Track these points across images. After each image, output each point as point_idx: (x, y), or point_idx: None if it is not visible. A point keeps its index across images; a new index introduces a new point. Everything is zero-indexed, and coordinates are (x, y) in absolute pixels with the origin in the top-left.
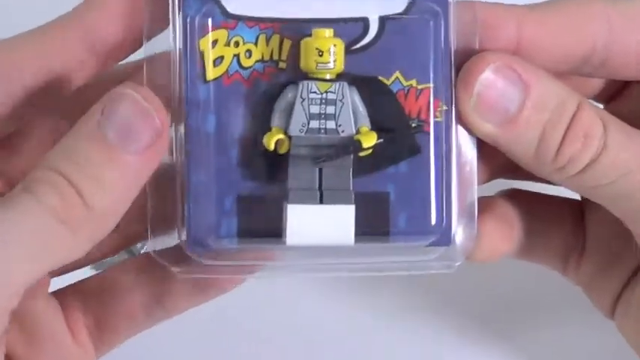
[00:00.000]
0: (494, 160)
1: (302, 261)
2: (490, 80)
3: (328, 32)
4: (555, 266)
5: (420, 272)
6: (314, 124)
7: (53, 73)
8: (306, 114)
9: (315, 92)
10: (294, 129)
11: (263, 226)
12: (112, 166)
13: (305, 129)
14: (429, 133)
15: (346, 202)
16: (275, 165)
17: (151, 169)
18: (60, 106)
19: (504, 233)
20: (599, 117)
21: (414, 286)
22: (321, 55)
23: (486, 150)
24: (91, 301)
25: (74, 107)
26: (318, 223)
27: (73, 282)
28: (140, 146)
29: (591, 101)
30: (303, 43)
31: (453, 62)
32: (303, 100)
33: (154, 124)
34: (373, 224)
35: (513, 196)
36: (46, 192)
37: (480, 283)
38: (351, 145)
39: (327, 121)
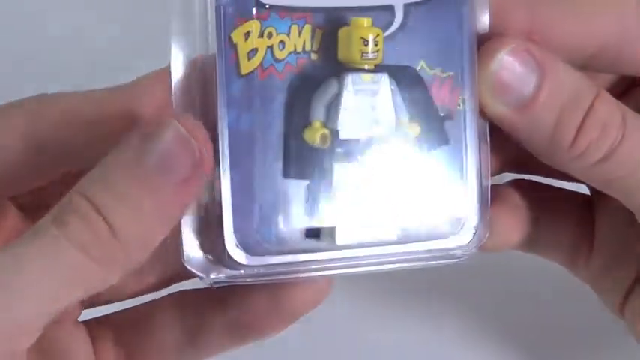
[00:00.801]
0: (504, 153)
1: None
2: (506, 61)
3: (367, 21)
4: (563, 261)
5: (435, 263)
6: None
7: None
8: (352, 106)
9: (360, 84)
10: (343, 122)
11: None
12: (150, 196)
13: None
14: (454, 122)
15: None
16: (315, 161)
17: (187, 203)
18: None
19: (516, 222)
20: (618, 107)
21: (421, 281)
22: (366, 45)
23: (497, 143)
24: (124, 334)
25: None
26: (365, 220)
27: (108, 312)
28: (178, 179)
29: None
30: (343, 32)
31: (475, 49)
32: (349, 92)
33: (193, 157)
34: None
35: (522, 186)
36: (76, 225)
37: (488, 279)
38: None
39: (372, 113)
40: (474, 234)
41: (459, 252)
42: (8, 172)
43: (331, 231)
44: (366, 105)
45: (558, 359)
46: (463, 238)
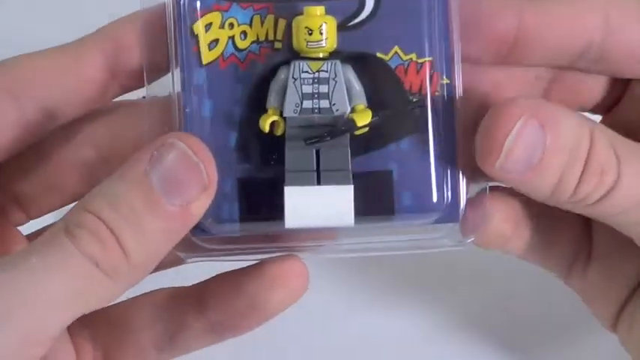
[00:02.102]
0: None
1: (306, 242)
2: (518, 136)
3: (319, 10)
4: (559, 271)
5: (430, 250)
6: (307, 104)
7: (69, 91)
8: (298, 94)
9: (307, 72)
10: (288, 110)
11: (264, 209)
12: (154, 216)
13: (298, 109)
14: (430, 107)
15: (344, 182)
16: (273, 147)
17: (194, 221)
18: (78, 127)
19: (511, 218)
20: (612, 146)
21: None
22: (310, 34)
23: None
24: (102, 333)
25: (94, 128)
26: (317, 204)
27: None
28: (185, 200)
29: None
30: (294, 21)
31: (454, 34)
32: (295, 80)
33: (201, 179)
34: (377, 203)
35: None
36: (88, 239)
37: (482, 278)
38: (345, 124)
39: (321, 101)
40: (451, 226)
41: (446, 241)
42: None
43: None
44: (314, 92)
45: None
46: (436, 229)
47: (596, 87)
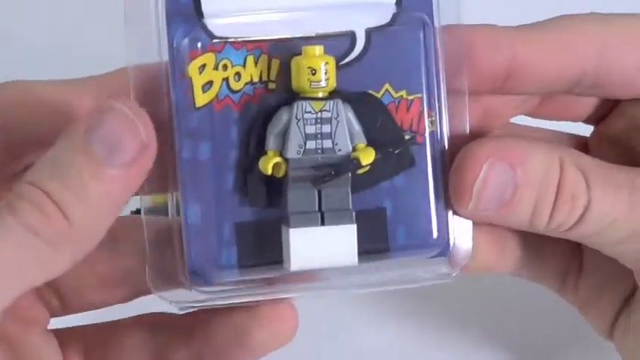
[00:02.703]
0: None
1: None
2: (486, 179)
3: (319, 50)
4: (552, 285)
5: (416, 285)
6: (310, 144)
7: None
8: (302, 135)
9: (310, 112)
10: (292, 151)
11: (263, 253)
12: (97, 180)
13: (302, 150)
14: (421, 144)
15: (347, 221)
16: (273, 189)
17: (136, 184)
18: None
19: (497, 244)
20: (581, 170)
21: (412, 297)
22: (314, 74)
23: None
24: (93, 351)
25: None
26: (321, 245)
27: (78, 324)
28: (126, 160)
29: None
30: (293, 62)
31: (441, 71)
32: (299, 120)
33: (140, 138)
34: (372, 242)
35: None
36: (26, 209)
37: (478, 294)
38: (350, 163)
39: (324, 141)
40: (446, 258)
41: (433, 275)
42: None
43: (287, 257)
44: (317, 132)
45: None
46: (434, 262)
47: (587, 103)
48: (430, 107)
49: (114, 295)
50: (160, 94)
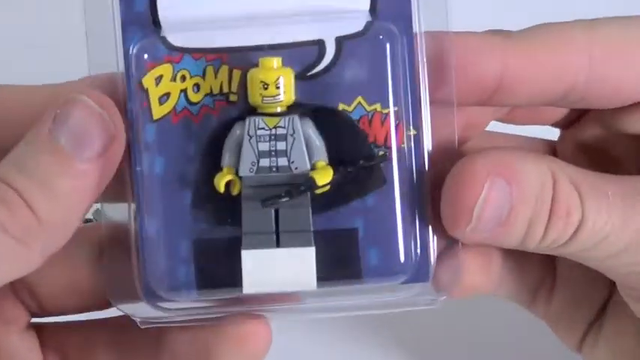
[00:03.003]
0: None
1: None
2: (487, 200)
3: (276, 62)
4: (523, 300)
5: (401, 309)
6: (264, 162)
7: None
8: (255, 152)
9: (263, 128)
10: (244, 169)
11: (222, 273)
12: (65, 175)
13: (255, 168)
14: (397, 160)
15: (305, 244)
16: (229, 206)
17: (106, 177)
18: None
19: (484, 265)
20: (574, 184)
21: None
22: (266, 88)
23: None
24: (72, 350)
25: None
26: (276, 268)
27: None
28: (94, 153)
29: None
30: (248, 74)
31: (421, 83)
32: (251, 137)
33: (108, 130)
34: (342, 265)
35: None
36: None
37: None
38: (304, 183)
39: (279, 159)
40: (427, 284)
41: (418, 300)
42: None
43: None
44: (271, 150)
45: None
46: (407, 287)
47: (558, 109)
48: (408, 121)
49: (84, 302)
50: (117, 106)
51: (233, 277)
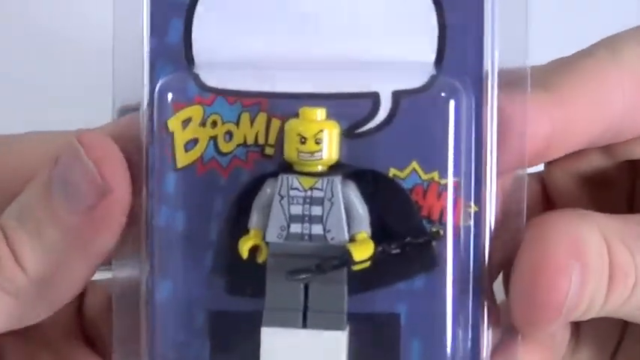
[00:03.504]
0: None
1: None
2: (575, 292)
3: (320, 113)
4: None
5: None
6: (295, 228)
7: None
8: (285, 215)
9: (297, 189)
10: (271, 233)
11: (240, 350)
12: (53, 225)
13: (284, 234)
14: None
15: (336, 327)
16: (253, 275)
17: (101, 232)
18: None
19: (548, 356)
20: (624, 244)
21: None
22: (303, 143)
23: None
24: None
25: None
26: (300, 351)
27: None
28: (81, 207)
29: None
30: (287, 125)
31: (488, 151)
32: (282, 197)
33: (93, 182)
34: (378, 355)
35: None
36: None
37: None
38: (339, 257)
39: (313, 225)
40: None
41: None
42: None
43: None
44: (304, 214)
45: None
46: None
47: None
48: (467, 195)
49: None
50: (137, 147)
51: (251, 357)
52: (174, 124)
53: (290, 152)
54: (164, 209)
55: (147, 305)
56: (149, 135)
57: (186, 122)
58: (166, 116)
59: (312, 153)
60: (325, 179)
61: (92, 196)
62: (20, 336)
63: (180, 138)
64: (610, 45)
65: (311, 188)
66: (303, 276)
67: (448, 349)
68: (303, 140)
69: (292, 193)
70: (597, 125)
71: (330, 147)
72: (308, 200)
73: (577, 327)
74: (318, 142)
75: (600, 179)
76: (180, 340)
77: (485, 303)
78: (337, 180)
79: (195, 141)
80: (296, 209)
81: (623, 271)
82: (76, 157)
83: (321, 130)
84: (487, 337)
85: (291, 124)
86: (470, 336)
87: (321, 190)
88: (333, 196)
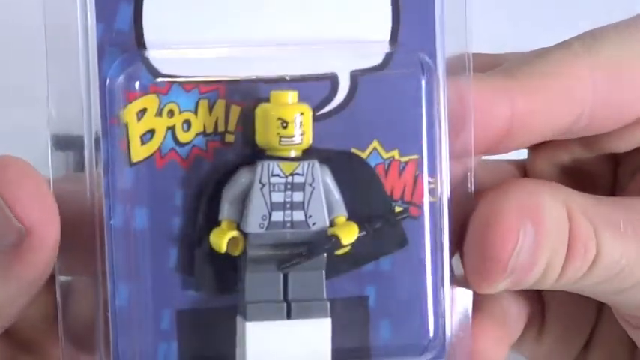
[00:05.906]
0: None
1: None
2: (521, 250)
3: (292, 96)
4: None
5: None
6: (277, 216)
7: None
8: (267, 204)
9: (278, 175)
10: (252, 224)
11: (212, 350)
12: None
13: (266, 224)
14: (417, 218)
15: (321, 314)
16: (226, 270)
17: (24, 271)
18: None
19: (501, 335)
20: (587, 217)
21: None
22: (285, 127)
23: None
24: None
25: None
26: (286, 343)
27: None
28: (4, 243)
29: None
30: (260, 110)
31: (441, 126)
32: (263, 186)
33: (10, 227)
34: (349, 338)
35: None
36: None
37: None
38: (327, 241)
39: (294, 212)
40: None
41: None
42: None
43: (242, 356)
44: (286, 201)
45: None
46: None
47: None
48: (430, 172)
49: None
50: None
51: (226, 354)
52: (128, 115)
53: (270, 138)
54: (121, 207)
55: (104, 313)
56: (101, 128)
57: (141, 113)
58: (119, 107)
59: (292, 137)
60: (306, 163)
61: (11, 236)
62: None
63: (136, 130)
64: (587, 39)
65: (292, 174)
66: (295, 263)
67: (426, 329)
68: (284, 125)
69: (273, 180)
70: (563, 116)
71: (307, 131)
72: (289, 186)
73: (542, 311)
74: (300, 125)
75: (582, 171)
76: (145, 344)
77: (449, 279)
78: (316, 163)
79: (151, 132)
80: (277, 197)
81: (582, 243)
82: None
83: (302, 113)
84: (450, 316)
85: (267, 109)
86: (438, 312)
87: (302, 175)
88: (313, 180)
